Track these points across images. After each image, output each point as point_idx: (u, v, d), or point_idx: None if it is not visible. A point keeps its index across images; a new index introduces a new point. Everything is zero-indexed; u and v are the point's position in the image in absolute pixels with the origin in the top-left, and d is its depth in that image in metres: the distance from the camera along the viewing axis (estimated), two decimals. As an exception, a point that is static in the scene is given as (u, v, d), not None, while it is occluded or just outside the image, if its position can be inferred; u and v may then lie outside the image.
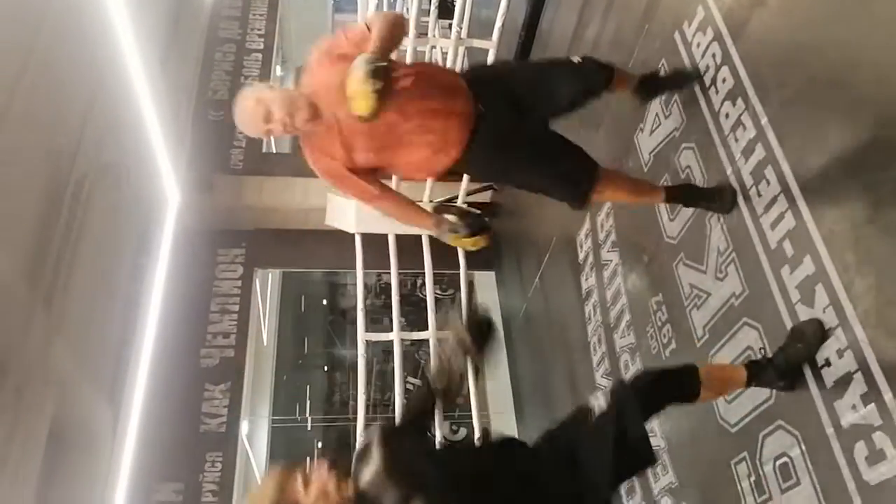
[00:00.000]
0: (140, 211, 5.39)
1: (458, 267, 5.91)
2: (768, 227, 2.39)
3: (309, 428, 11.97)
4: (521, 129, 2.33)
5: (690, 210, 2.92)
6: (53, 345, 3.70)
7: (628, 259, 3.64)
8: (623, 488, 3.55)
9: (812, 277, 2.17)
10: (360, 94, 1.90)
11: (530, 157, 2.35)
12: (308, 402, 12.54)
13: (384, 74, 1.92)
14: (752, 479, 2.47)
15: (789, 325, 2.27)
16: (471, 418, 5.33)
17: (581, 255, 4.25)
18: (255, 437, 7.72)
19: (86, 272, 4.09)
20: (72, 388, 4.01)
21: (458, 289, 6.17)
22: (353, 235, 5.83)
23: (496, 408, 7.07)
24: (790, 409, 2.28)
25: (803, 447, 2.21)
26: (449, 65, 5.43)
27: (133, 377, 4.84)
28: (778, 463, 2.33)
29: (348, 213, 5.89)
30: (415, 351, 10.67)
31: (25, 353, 3.45)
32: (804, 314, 2.21)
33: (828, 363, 2.10)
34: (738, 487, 2.54)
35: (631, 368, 3.53)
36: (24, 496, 3.46)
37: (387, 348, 10.30)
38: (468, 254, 5.88)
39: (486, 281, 6.98)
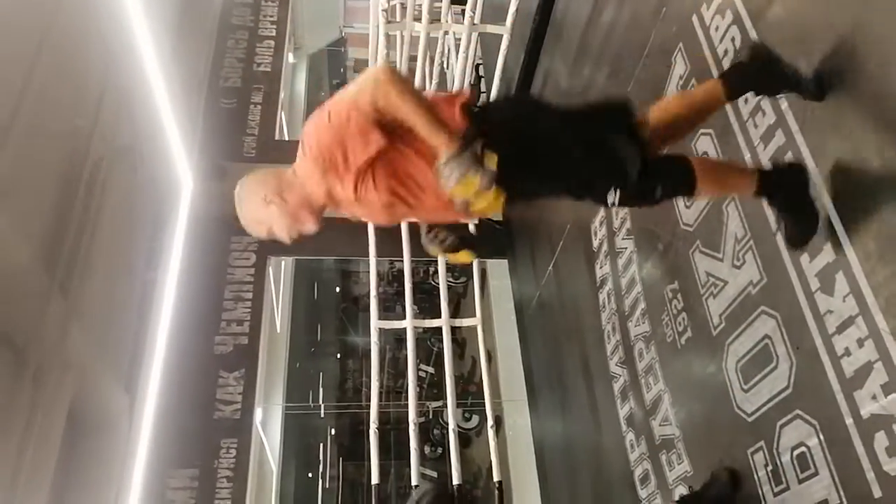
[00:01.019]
0: (154, 196, 5.41)
1: (470, 255, 5.89)
2: (788, 215, 2.35)
3: (322, 415, 12.05)
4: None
5: (706, 198, 2.89)
6: (70, 330, 3.72)
7: (643, 247, 3.61)
8: (637, 476, 3.54)
9: (832, 265, 2.14)
10: (482, 201, 1.68)
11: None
12: (321, 390, 12.62)
13: (485, 163, 1.62)
14: (769, 468, 2.45)
15: (808, 313, 2.24)
16: (483, 406, 5.34)
17: (595, 243, 4.22)
18: (268, 424, 7.77)
19: (102, 257, 4.11)
20: (89, 374, 4.04)
21: (471, 276, 6.16)
22: (366, 223, 5.83)
23: (509, 395, 7.07)
24: (808, 399, 2.25)
25: (822, 437, 2.18)
26: (462, 51, 5.38)
27: (149, 363, 4.87)
28: (795, 453, 2.31)
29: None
30: (427, 339, 10.70)
31: (43, 338, 3.48)
32: (823, 303, 2.18)
33: (847, 352, 2.07)
34: (755, 477, 2.52)
35: (645, 357, 3.51)
36: (43, 479, 3.50)
37: (399, 336, 10.34)
38: (480, 242, 5.87)
39: (499, 269, 6.96)
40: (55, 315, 3.57)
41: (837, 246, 2.11)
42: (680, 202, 3.12)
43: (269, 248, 6.50)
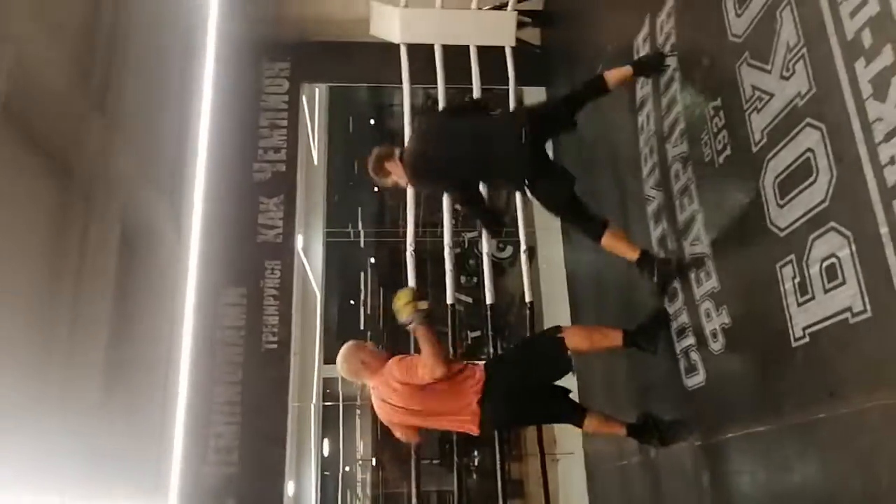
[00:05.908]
0: (182, 15, 5.26)
1: (507, 82, 5.73)
2: (847, 16, 2.19)
3: (362, 244, 12.47)
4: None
5: (759, 5, 2.70)
6: (113, 147, 3.79)
7: (687, 62, 3.44)
8: (666, 296, 3.63)
9: (889, 69, 2.02)
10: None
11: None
12: (360, 222, 12.95)
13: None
14: (797, 280, 2.48)
15: (856, 123, 2.16)
16: (518, 239, 5.46)
17: (637, 62, 4.03)
18: (310, 251, 8.07)
19: (135, 77, 4.09)
20: (136, 192, 4.17)
21: (508, 106, 6.01)
22: (398, 47, 5.64)
23: (542, 224, 7.14)
24: (845, 211, 2.23)
25: (853, 247, 2.18)
26: None
27: (191, 186, 4.99)
28: (825, 264, 2.33)
29: (393, 22, 5.67)
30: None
31: (86, 156, 3.57)
32: (874, 111, 2.09)
33: (892, 161, 2.01)
34: (781, 289, 2.57)
35: (681, 178, 3.47)
36: (105, 288, 3.73)
37: (435, 169, 10.29)
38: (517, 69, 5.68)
39: (536, 96, 6.76)
40: (95, 133, 3.63)
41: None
42: (730, 11, 2.92)
43: (302, 73, 6.41)
